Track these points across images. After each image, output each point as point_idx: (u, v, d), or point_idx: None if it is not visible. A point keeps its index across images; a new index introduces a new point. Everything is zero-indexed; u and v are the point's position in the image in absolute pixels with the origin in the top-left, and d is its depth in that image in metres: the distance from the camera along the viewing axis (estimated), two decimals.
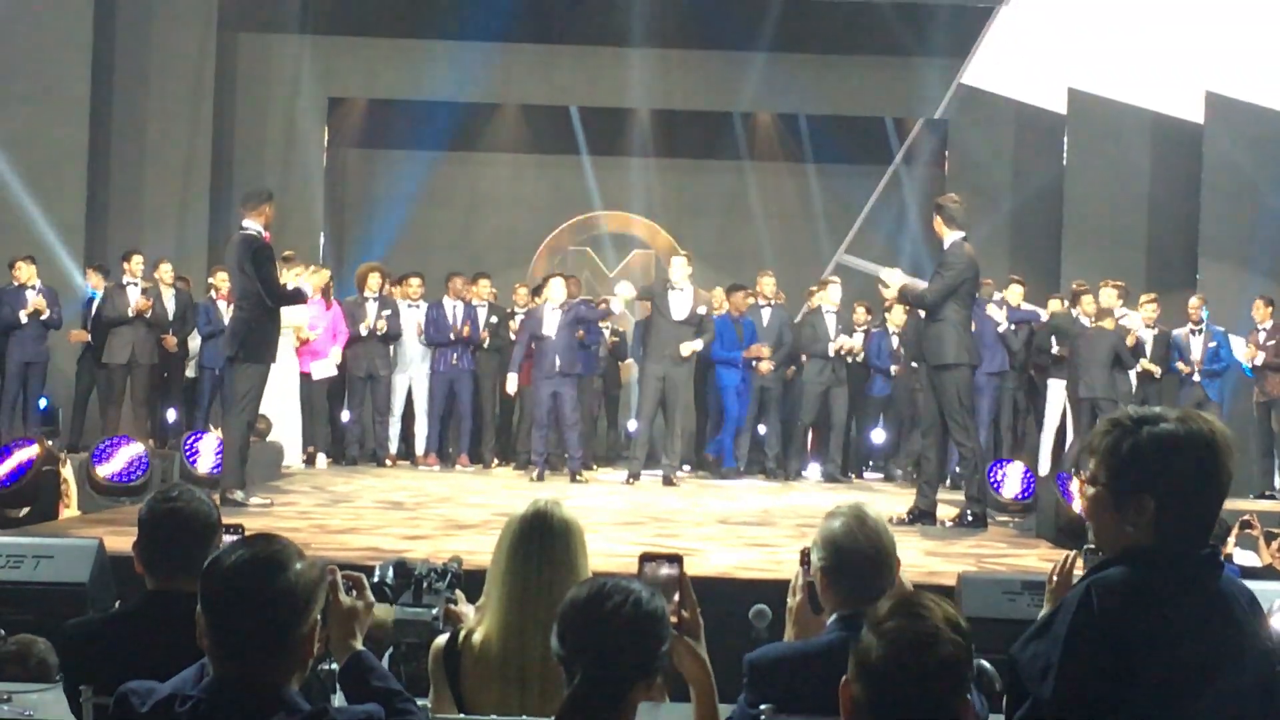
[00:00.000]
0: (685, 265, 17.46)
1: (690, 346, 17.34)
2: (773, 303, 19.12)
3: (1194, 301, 18.42)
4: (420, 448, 19.18)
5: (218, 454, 13.74)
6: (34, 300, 18.18)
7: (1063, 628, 3.58)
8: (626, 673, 3.51)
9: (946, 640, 3.29)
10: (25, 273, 18.33)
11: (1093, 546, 4.65)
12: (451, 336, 18.91)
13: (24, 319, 18.16)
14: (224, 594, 3.49)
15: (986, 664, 5.06)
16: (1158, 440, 3.67)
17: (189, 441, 14.46)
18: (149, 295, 18.17)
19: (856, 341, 18.90)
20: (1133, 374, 17.64)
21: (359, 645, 4.24)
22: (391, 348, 18.89)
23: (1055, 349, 18.08)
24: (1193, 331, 18.18)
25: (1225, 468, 3.69)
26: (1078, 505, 12.51)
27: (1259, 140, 20.16)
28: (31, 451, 12.51)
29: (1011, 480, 14.76)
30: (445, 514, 12.91)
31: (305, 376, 17.92)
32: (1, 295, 18.22)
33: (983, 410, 17.39)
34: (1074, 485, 12.78)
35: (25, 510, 11.93)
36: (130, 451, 13.33)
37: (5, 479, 12.12)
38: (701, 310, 17.44)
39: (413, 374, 19.04)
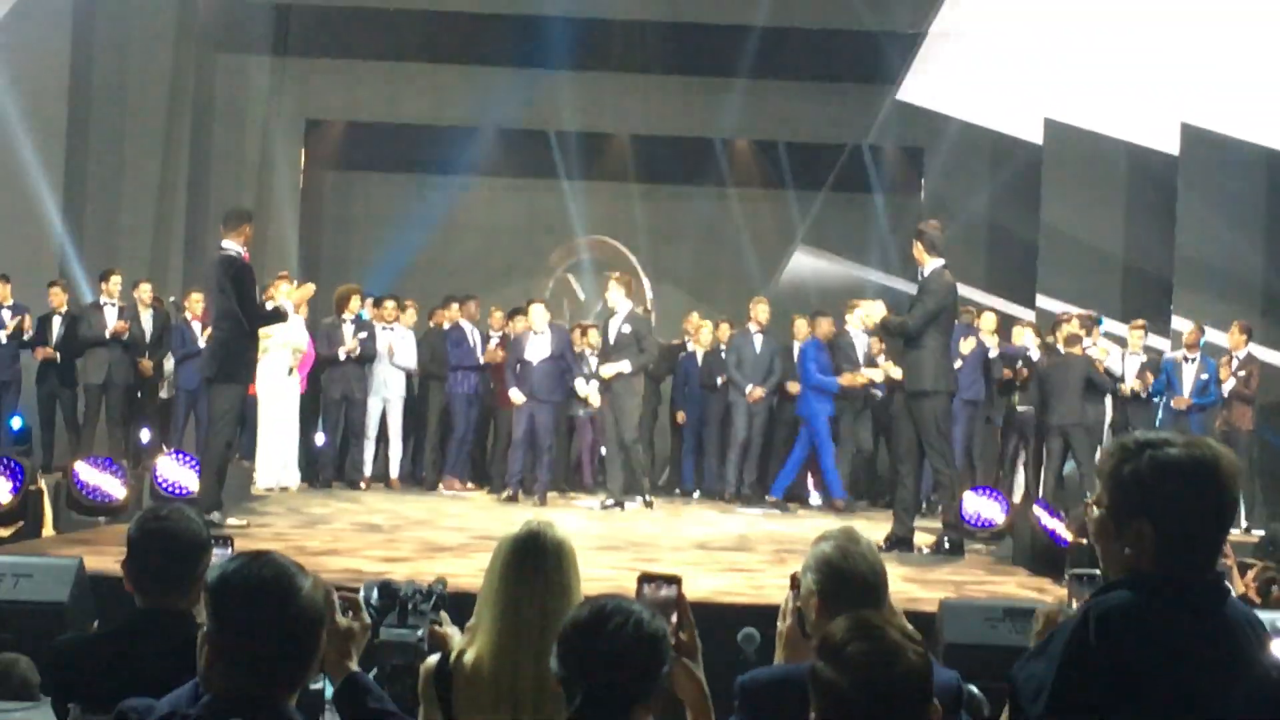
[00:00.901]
0: (615, 287, 17.24)
1: (613, 368, 17.03)
2: (763, 330, 19.01)
3: (1191, 329, 18.39)
4: (394, 470, 19.13)
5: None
6: (12, 321, 18.12)
7: (1058, 649, 3.58)
8: (628, 694, 3.50)
9: (909, 651, 3.39)
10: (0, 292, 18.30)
11: (1077, 573, 4.66)
12: (482, 360, 19.08)
13: (3, 339, 18.11)
14: (241, 615, 3.47)
15: (975, 690, 5.07)
16: (1159, 465, 3.66)
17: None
18: (126, 316, 18.12)
19: (877, 374, 18.59)
20: (1108, 400, 17.69)
21: (354, 666, 4.22)
22: (366, 370, 18.81)
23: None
24: (1186, 359, 18.12)
25: (1229, 495, 3.68)
26: (1064, 532, 12.58)
27: (1233, 170, 20.27)
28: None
29: (986, 508, 14.82)
30: (423, 536, 12.88)
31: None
32: None
33: (958, 437, 17.40)
34: (1044, 514, 12.83)
35: (14, 529, 11.89)
36: (103, 470, 13.27)
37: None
38: (626, 329, 17.12)
39: (387, 396, 18.97)
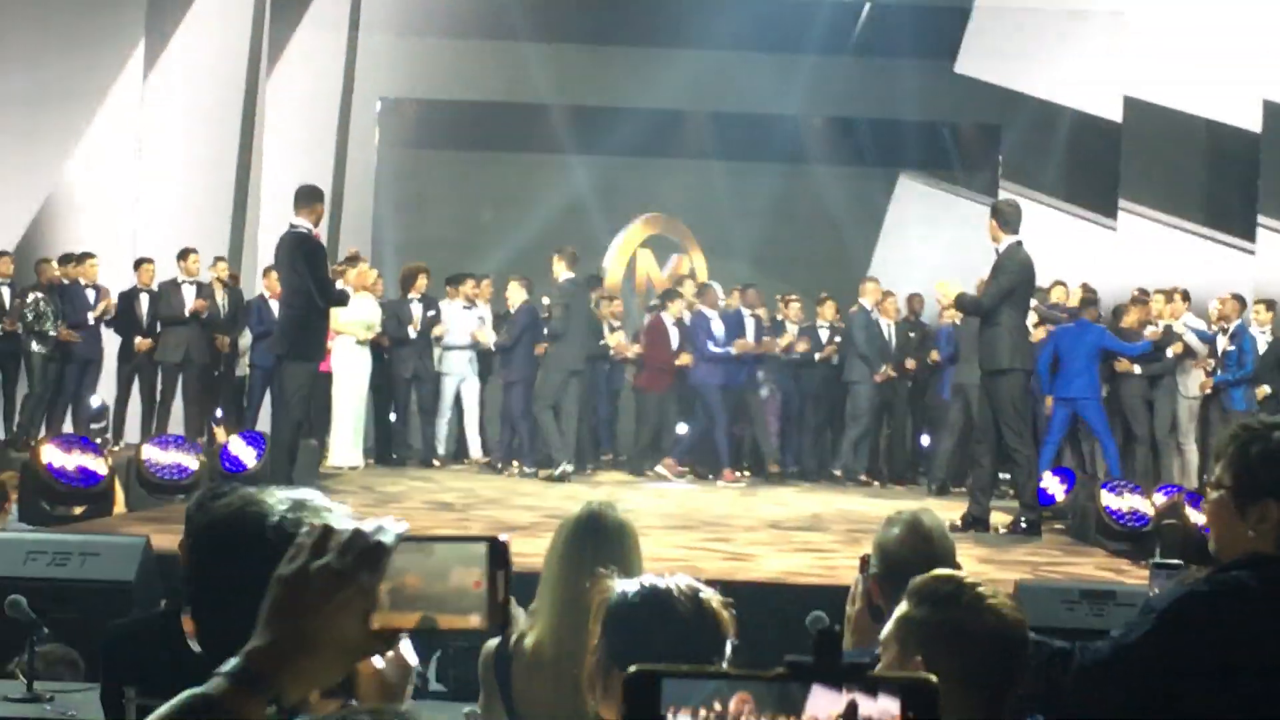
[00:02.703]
0: (556, 261, 17.34)
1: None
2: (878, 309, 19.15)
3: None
4: (475, 450, 19.11)
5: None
6: (101, 304, 18.16)
7: (1161, 603, 3.51)
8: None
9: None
10: (89, 271, 18.33)
11: (1160, 561, 4.56)
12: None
13: (91, 320, 18.16)
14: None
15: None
16: None
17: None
18: (204, 294, 18.16)
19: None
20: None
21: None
22: (436, 349, 18.78)
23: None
24: (1222, 330, 17.77)
25: None
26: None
27: None
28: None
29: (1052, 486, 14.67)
30: (494, 515, 12.86)
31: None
32: (65, 293, 18.19)
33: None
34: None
35: (83, 509, 11.91)
36: (176, 448, 13.28)
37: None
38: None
39: (464, 374, 18.93)
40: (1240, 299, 17.76)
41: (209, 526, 2.91)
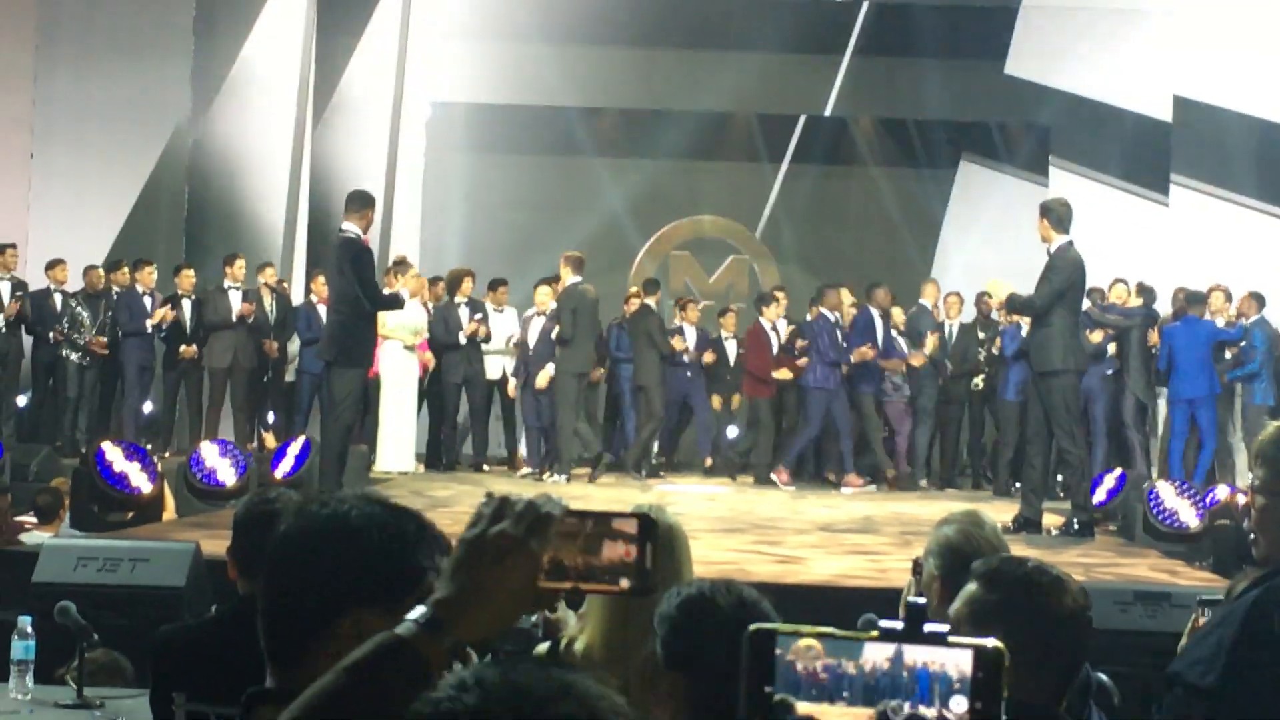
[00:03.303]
0: (563, 265, 17.52)
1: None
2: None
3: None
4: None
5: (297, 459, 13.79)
6: (159, 311, 18.18)
7: (1234, 625, 3.43)
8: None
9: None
10: (146, 278, 18.38)
11: (1207, 599, 4.45)
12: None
13: (149, 328, 18.20)
14: None
15: (1104, 678, 4.90)
16: None
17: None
18: (251, 299, 18.18)
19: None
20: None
21: None
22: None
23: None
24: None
25: None
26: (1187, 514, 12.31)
27: None
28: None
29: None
30: None
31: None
32: (121, 300, 18.26)
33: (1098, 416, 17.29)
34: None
35: (131, 514, 11.93)
36: (225, 454, 13.29)
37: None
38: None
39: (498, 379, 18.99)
40: (1258, 296, 17.62)
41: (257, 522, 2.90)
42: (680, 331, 19.26)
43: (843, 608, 6.96)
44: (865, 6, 22.77)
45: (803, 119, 24.29)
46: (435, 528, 2.63)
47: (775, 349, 18.63)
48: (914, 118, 24.11)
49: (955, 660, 1.93)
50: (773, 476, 18.04)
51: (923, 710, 1.93)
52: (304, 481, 13.02)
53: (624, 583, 2.28)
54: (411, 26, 23.31)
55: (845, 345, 18.00)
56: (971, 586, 3.40)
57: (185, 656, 4.49)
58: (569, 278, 17.33)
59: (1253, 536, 3.74)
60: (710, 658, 3.35)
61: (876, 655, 1.95)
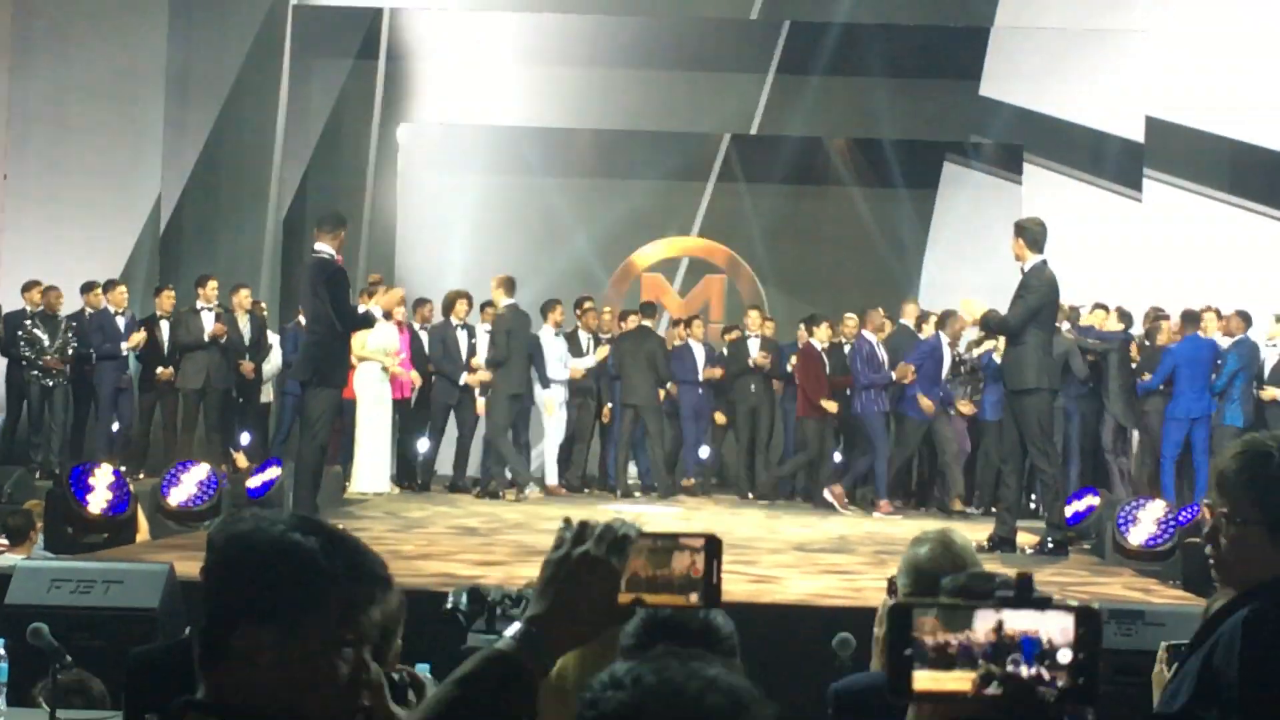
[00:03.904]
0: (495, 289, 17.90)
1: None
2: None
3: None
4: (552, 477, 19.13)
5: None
6: (135, 336, 18.16)
7: (1229, 658, 3.40)
8: None
9: None
10: (118, 298, 18.36)
11: (1174, 643, 4.39)
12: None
13: (125, 350, 18.18)
14: None
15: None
16: None
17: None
18: (223, 320, 18.14)
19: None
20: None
21: None
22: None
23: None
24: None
25: None
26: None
27: None
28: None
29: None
30: (519, 540, 12.82)
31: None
32: (92, 321, 18.23)
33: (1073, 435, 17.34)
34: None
35: (106, 535, 11.90)
36: (198, 475, 13.25)
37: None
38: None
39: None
40: (1245, 315, 17.61)
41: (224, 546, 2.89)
42: (689, 349, 19.33)
43: (818, 627, 6.97)
44: (838, 28, 22.74)
45: (780, 139, 24.28)
46: (354, 551, 2.63)
47: (827, 370, 18.44)
48: (890, 138, 24.09)
49: (1058, 623, 2.32)
50: (826, 495, 17.76)
51: (1022, 670, 2.30)
52: (275, 502, 12.99)
53: (692, 596, 2.52)
54: (384, 49, 23.30)
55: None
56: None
57: (158, 678, 4.47)
58: (502, 300, 17.64)
59: (1212, 560, 3.72)
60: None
61: (985, 624, 2.32)
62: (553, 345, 18.65)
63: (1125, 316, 18.32)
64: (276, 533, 2.61)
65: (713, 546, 2.54)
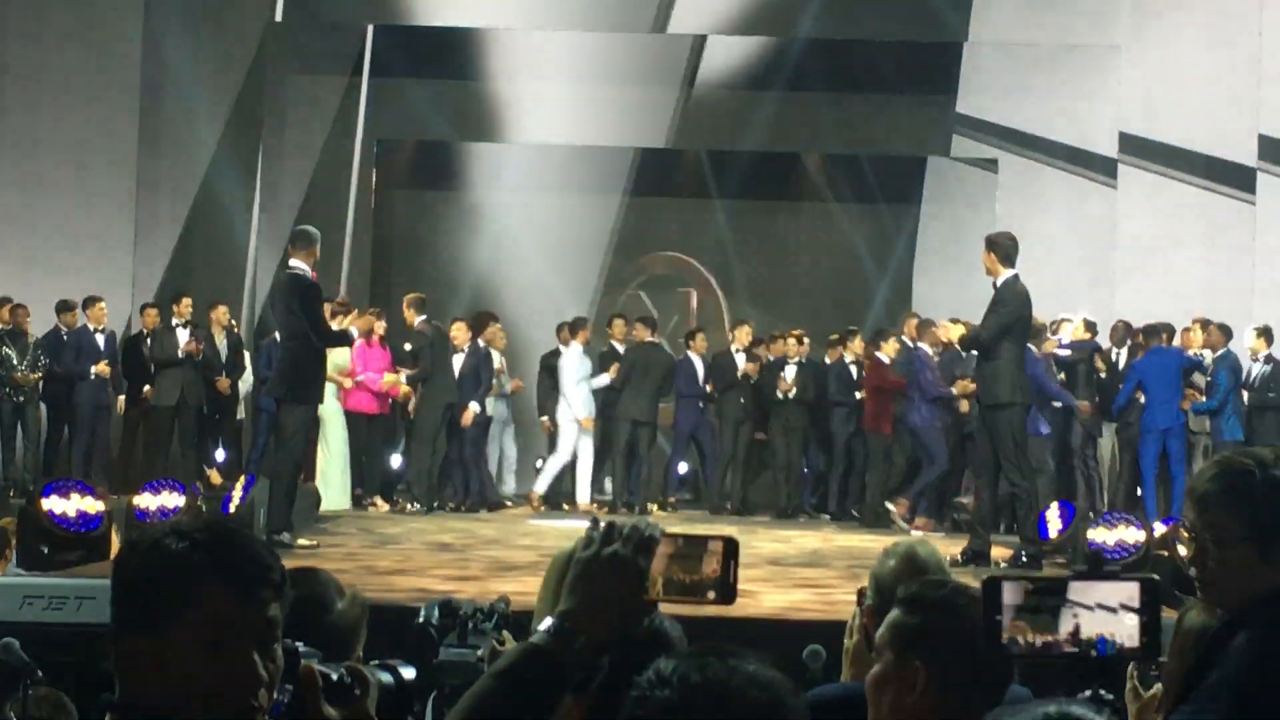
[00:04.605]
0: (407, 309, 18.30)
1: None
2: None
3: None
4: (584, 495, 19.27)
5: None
6: (100, 366, 18.17)
7: (1230, 677, 3.36)
8: None
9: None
10: (97, 314, 18.32)
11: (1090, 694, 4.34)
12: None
13: (93, 374, 18.17)
14: None
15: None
16: None
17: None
18: (198, 337, 18.12)
19: None
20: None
21: None
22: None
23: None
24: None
25: None
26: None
27: None
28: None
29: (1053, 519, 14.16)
30: (494, 555, 12.83)
31: (357, 415, 17.90)
32: (72, 338, 18.21)
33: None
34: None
35: (81, 553, 11.85)
36: (166, 493, 13.18)
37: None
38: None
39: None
40: (1225, 329, 17.63)
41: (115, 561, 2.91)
42: (689, 362, 19.29)
43: (790, 640, 6.99)
44: (807, 43, 22.79)
45: (757, 155, 24.27)
46: (235, 551, 2.63)
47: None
48: (869, 153, 24.10)
49: (1126, 592, 2.83)
50: (889, 507, 17.60)
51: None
52: (246, 518, 12.94)
53: (710, 595, 2.65)
54: (359, 65, 23.30)
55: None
56: (894, 612, 3.44)
57: None
58: (416, 318, 17.99)
59: (1199, 582, 3.67)
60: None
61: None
62: (579, 363, 18.75)
63: (1091, 326, 18.39)
64: (149, 541, 2.63)
65: (731, 547, 2.66)
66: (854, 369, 18.91)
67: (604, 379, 18.86)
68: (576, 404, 18.70)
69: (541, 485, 18.97)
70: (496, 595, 5.38)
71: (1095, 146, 22.01)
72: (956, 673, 3.20)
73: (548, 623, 2.63)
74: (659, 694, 2.38)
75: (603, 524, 2.75)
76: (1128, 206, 21.33)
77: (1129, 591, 2.77)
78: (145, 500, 12.95)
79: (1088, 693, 2.94)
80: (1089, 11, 21.76)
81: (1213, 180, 20.94)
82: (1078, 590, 2.83)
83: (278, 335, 17.74)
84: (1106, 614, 2.81)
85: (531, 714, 2.59)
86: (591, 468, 19.19)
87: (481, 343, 18.47)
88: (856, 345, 19.07)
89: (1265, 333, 17.50)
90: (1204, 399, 17.38)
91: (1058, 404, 17.47)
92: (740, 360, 19.19)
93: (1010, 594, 2.84)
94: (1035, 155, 22.65)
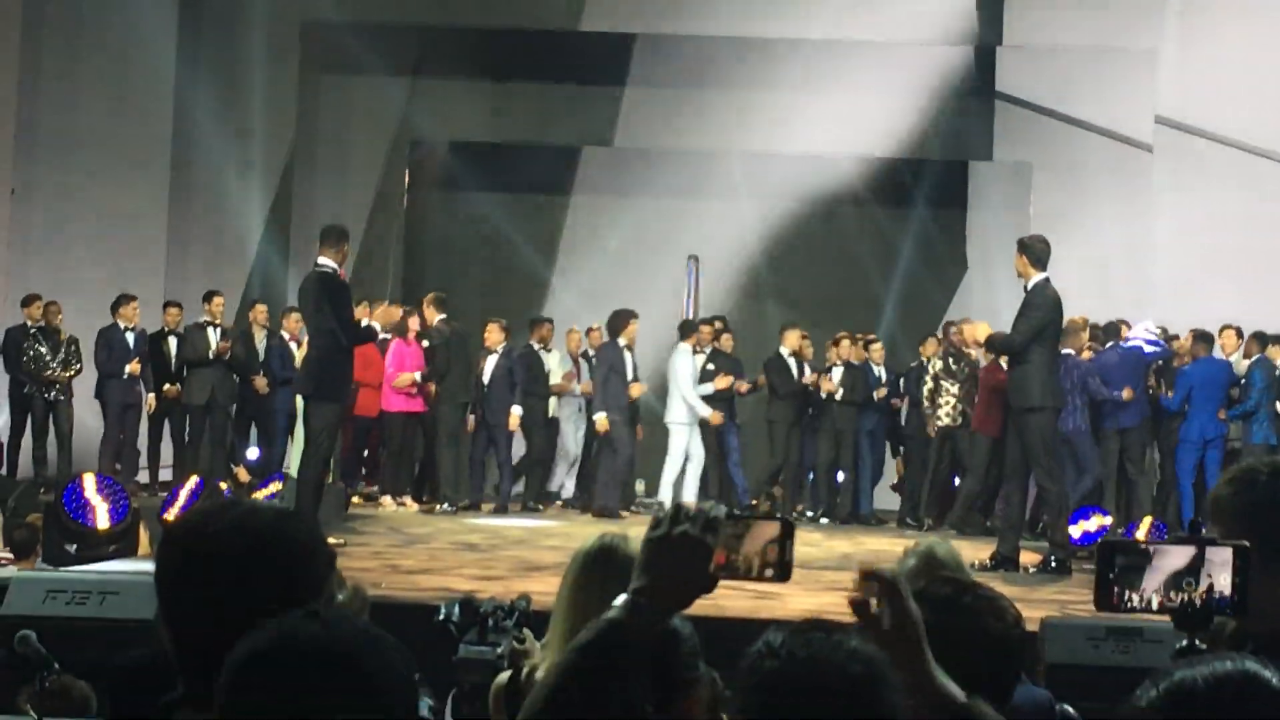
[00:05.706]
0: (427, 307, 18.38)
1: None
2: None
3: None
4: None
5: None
6: (130, 367, 18.18)
7: None
8: None
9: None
10: (129, 313, 18.32)
11: (1186, 644, 4.26)
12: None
13: (126, 374, 18.17)
14: None
15: (1070, 710, 4.86)
16: None
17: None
18: (228, 336, 18.15)
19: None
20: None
21: None
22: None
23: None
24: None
25: None
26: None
27: None
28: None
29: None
30: (520, 555, 12.80)
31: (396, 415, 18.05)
32: (101, 338, 18.22)
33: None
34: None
35: (111, 549, 11.87)
36: (189, 489, 13.18)
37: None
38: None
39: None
40: (1261, 336, 17.48)
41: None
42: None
43: None
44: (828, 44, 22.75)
45: (793, 157, 24.20)
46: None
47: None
48: (887, 155, 24.00)
49: (1221, 555, 3.13)
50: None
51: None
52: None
53: (768, 572, 2.80)
54: (392, 65, 23.31)
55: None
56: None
57: (144, 687, 4.44)
58: (435, 317, 18.10)
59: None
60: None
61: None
62: (690, 365, 18.69)
63: (1098, 328, 18.09)
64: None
65: (787, 529, 2.81)
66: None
67: (709, 388, 18.75)
68: (698, 405, 18.56)
69: (665, 494, 18.50)
70: (518, 594, 5.37)
71: (1133, 146, 21.90)
72: (959, 671, 3.16)
73: (622, 599, 2.74)
74: (767, 664, 2.64)
75: (670, 506, 2.89)
76: (1166, 209, 21.22)
77: (1224, 555, 3.09)
78: (172, 499, 13.01)
79: (1184, 642, 3.17)
80: (1127, 12, 21.65)
81: (1252, 182, 20.84)
82: (1179, 554, 3.13)
83: (284, 334, 17.97)
84: (1204, 575, 3.14)
85: (610, 682, 2.70)
86: (702, 469, 18.92)
87: (535, 343, 18.65)
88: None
89: None
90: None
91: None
92: (792, 365, 18.96)
93: (1121, 558, 3.17)
94: (1071, 156, 22.54)
